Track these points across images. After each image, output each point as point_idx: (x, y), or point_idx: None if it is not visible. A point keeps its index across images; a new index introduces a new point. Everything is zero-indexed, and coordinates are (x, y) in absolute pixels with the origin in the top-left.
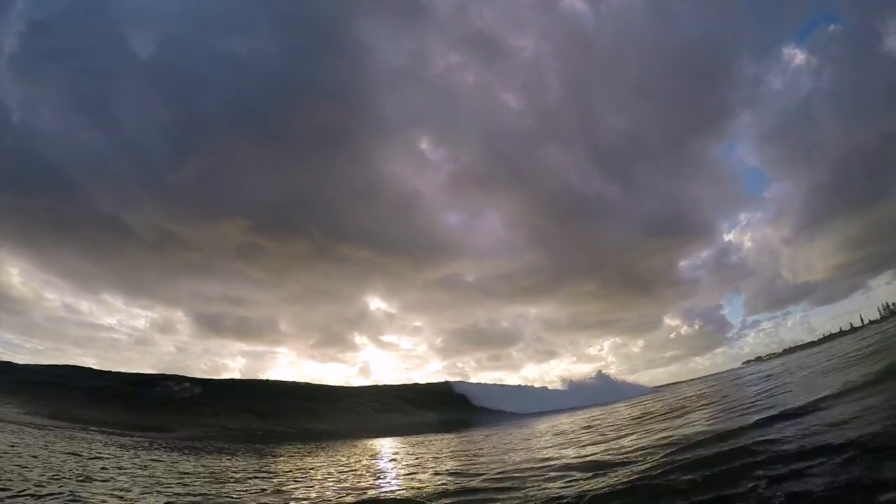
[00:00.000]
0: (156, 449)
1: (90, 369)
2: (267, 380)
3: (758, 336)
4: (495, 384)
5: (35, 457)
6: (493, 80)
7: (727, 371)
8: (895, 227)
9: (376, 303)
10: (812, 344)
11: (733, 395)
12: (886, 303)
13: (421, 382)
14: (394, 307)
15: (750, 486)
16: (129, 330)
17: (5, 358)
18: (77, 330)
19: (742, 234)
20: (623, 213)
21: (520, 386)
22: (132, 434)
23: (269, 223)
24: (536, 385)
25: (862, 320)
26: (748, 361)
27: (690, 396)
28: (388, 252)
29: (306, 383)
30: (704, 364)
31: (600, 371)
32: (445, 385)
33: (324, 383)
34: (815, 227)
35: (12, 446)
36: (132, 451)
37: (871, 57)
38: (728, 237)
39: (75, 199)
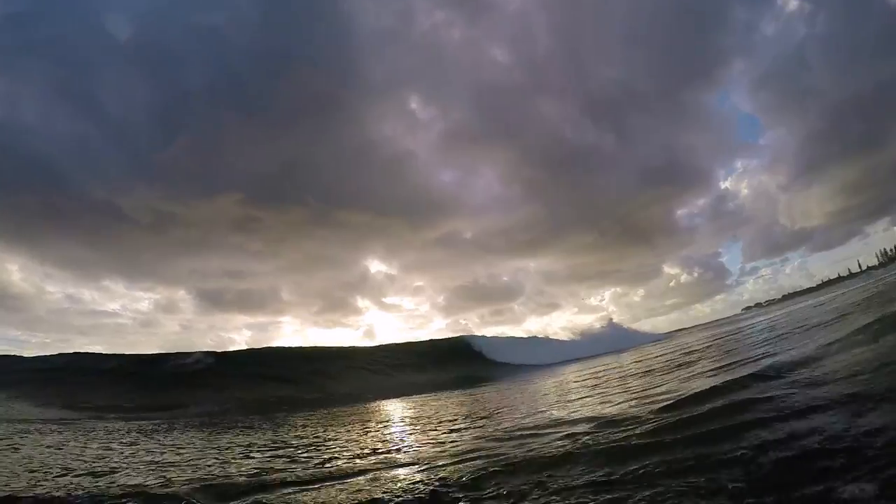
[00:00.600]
0: (176, 429)
1: (99, 354)
2: (277, 347)
3: (757, 283)
4: (511, 337)
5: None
6: (480, 35)
7: (728, 318)
8: (892, 173)
9: (376, 265)
10: (811, 290)
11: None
12: (884, 249)
13: (438, 338)
14: (394, 269)
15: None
16: (132, 313)
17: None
18: (81, 319)
19: (738, 182)
20: (618, 164)
21: (535, 337)
22: (150, 416)
23: (263, 194)
24: (540, 337)
25: (860, 266)
26: (748, 308)
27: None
28: (384, 214)
29: (321, 346)
30: (705, 311)
31: (611, 320)
32: (461, 340)
33: (338, 345)
34: (811, 173)
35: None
36: (162, 433)
37: (865, 2)
38: (724, 185)
39: (67, 189)
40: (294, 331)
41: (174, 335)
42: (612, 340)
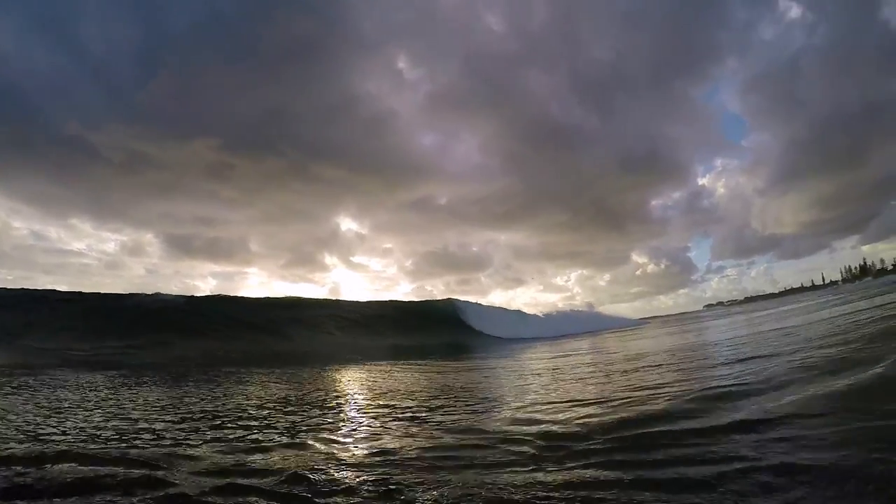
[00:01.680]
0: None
1: (55, 291)
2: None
3: (721, 281)
4: (500, 308)
5: None
6: None
7: (690, 313)
8: (868, 193)
9: (348, 223)
10: (773, 295)
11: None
12: (849, 266)
13: (417, 300)
14: (365, 228)
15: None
16: (98, 254)
17: None
18: (46, 257)
19: (716, 180)
20: (600, 145)
21: (520, 312)
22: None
23: (240, 141)
24: (528, 312)
25: (823, 279)
26: (710, 305)
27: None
28: (360, 171)
29: (300, 297)
30: (668, 303)
31: (590, 303)
32: (448, 303)
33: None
34: (789, 181)
35: None
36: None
37: (867, 21)
38: (702, 181)
39: (38, 121)
40: (260, 283)
41: (139, 279)
42: (588, 321)
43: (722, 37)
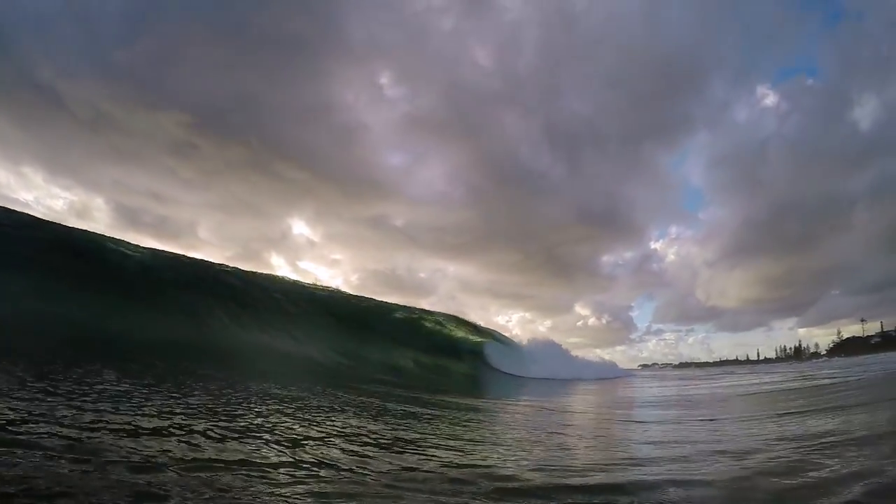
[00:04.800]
0: None
1: None
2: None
3: (659, 344)
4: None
5: None
6: (471, 32)
7: (626, 370)
8: (812, 281)
9: (300, 227)
10: (707, 364)
11: None
12: (784, 346)
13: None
14: (317, 235)
15: None
16: (44, 209)
17: None
18: None
19: (668, 246)
20: (562, 195)
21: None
22: None
23: (208, 122)
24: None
25: (758, 355)
26: (645, 365)
27: None
28: (323, 178)
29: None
30: (604, 357)
31: (552, 341)
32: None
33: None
34: (738, 258)
35: None
36: None
37: (837, 119)
38: (655, 245)
39: (13, 58)
40: None
41: None
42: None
43: (697, 111)
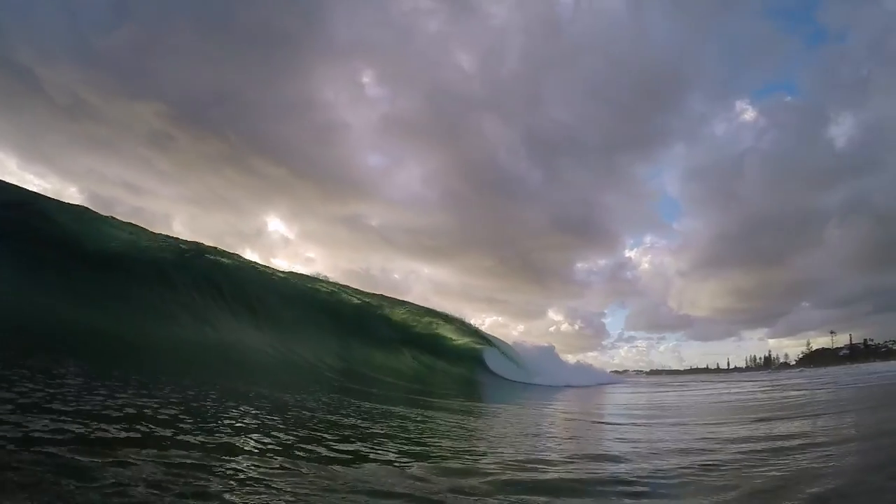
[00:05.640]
0: None
1: None
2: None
3: (630, 351)
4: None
5: None
6: (456, 36)
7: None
8: (783, 293)
9: (276, 224)
10: (678, 372)
11: None
12: (754, 356)
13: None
14: (292, 233)
15: None
16: None
17: None
18: None
19: (642, 255)
20: (538, 201)
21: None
22: None
23: (187, 115)
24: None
25: (728, 364)
26: (616, 371)
27: None
28: (299, 175)
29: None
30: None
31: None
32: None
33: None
34: (711, 269)
35: None
36: None
37: (813, 137)
38: (629, 254)
39: None
40: None
41: None
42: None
43: (676, 124)
